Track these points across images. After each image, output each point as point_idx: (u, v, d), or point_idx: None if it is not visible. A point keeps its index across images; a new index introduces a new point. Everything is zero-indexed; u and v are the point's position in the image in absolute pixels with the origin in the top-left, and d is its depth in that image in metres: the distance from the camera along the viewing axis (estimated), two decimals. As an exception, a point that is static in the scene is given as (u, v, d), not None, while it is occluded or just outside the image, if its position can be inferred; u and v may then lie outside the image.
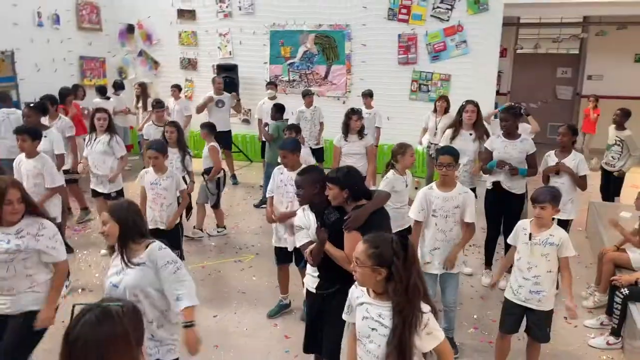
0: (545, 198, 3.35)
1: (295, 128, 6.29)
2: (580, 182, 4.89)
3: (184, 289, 2.69)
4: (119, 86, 9.88)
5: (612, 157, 6.94)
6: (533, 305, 3.43)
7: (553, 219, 4.88)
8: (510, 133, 4.93)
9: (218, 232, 6.56)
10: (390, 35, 9.35)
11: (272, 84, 8.81)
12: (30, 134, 4.73)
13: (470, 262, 5.67)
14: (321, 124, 8.53)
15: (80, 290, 5.06)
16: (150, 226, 4.58)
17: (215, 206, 6.50)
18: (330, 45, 9.79)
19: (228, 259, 5.91)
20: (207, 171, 6.35)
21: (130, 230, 2.69)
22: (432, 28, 9.11)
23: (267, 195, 4.59)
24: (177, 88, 9.05)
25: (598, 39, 11.61)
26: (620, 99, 10.76)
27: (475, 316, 4.67)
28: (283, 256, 4.51)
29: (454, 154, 3.80)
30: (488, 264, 5.35)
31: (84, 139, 8.25)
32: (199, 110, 8.64)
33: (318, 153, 8.66)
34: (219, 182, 6.41)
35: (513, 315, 3.55)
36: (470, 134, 5.19)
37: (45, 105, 6.26)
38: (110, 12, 10.86)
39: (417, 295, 2.14)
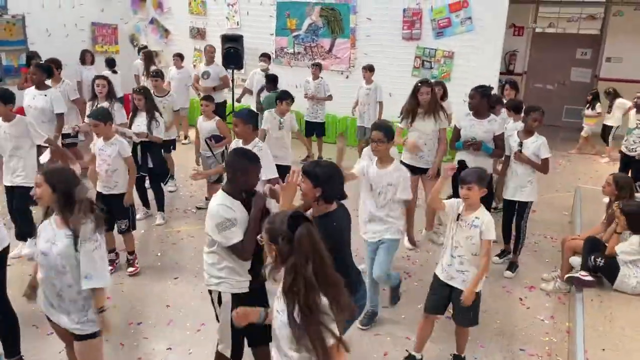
0: (471, 178, 3.30)
1: (290, 97, 6.18)
2: (539, 166, 4.82)
3: (94, 271, 2.70)
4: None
5: (633, 141, 6.78)
6: (457, 285, 3.39)
7: (515, 203, 4.98)
8: (478, 112, 4.86)
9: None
10: (395, 10, 9.21)
11: (265, 56, 8.79)
12: (2, 98, 4.66)
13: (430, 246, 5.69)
14: (329, 96, 8.50)
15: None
16: (101, 191, 4.71)
17: (219, 180, 5.95)
18: (335, 18, 9.71)
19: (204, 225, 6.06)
20: (215, 138, 5.94)
21: (67, 198, 2.70)
22: (438, 3, 8.91)
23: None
24: (179, 57, 9.13)
25: (617, 19, 11.14)
26: (640, 83, 10.38)
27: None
28: None
29: (384, 129, 3.74)
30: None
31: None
32: (194, 86, 8.78)
33: (319, 127, 8.70)
34: (223, 154, 6.03)
35: (437, 295, 3.51)
36: (425, 113, 5.09)
37: (51, 67, 6.46)
38: (123, -22, 11.02)
39: (296, 281, 2.05)
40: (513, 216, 5.16)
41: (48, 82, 6.63)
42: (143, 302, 4.43)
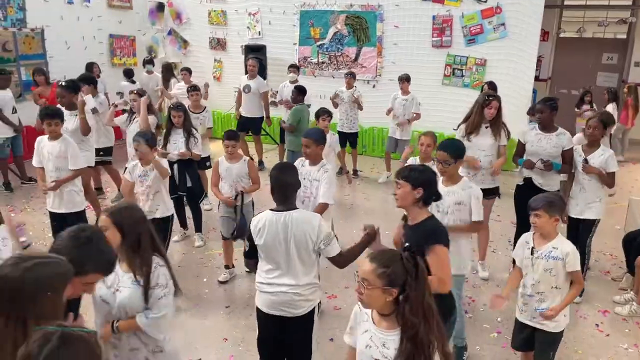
0: (537, 204, 2.99)
1: (327, 112, 5.94)
2: (607, 180, 4.51)
3: (157, 314, 2.46)
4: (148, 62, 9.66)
5: None
6: (538, 325, 3.13)
7: (581, 221, 4.64)
8: (546, 126, 4.57)
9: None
10: (424, 17, 8.97)
11: (294, 67, 8.49)
12: (61, 118, 4.67)
13: (489, 262, 5.36)
14: (360, 106, 8.19)
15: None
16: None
17: (237, 237, 4.72)
18: (361, 27, 9.46)
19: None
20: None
21: (135, 241, 2.45)
22: (469, 9, 8.67)
23: None
24: (187, 71, 8.85)
25: (647, 22, 10.90)
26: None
27: (499, 319, 4.40)
28: None
29: (450, 149, 3.43)
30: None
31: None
32: (238, 103, 8.47)
33: (352, 138, 8.42)
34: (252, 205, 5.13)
35: (522, 333, 3.27)
36: (487, 127, 4.76)
37: (77, 84, 6.19)
38: (140, -10, 10.79)
39: (432, 316, 1.93)
40: (578, 236, 4.87)
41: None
42: (197, 336, 4.14)
